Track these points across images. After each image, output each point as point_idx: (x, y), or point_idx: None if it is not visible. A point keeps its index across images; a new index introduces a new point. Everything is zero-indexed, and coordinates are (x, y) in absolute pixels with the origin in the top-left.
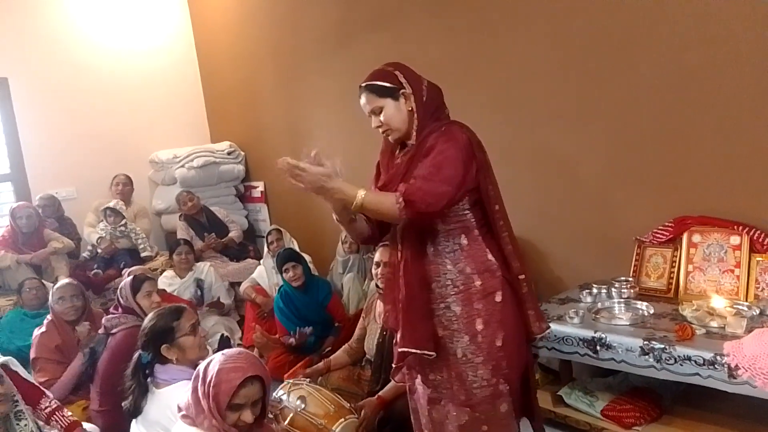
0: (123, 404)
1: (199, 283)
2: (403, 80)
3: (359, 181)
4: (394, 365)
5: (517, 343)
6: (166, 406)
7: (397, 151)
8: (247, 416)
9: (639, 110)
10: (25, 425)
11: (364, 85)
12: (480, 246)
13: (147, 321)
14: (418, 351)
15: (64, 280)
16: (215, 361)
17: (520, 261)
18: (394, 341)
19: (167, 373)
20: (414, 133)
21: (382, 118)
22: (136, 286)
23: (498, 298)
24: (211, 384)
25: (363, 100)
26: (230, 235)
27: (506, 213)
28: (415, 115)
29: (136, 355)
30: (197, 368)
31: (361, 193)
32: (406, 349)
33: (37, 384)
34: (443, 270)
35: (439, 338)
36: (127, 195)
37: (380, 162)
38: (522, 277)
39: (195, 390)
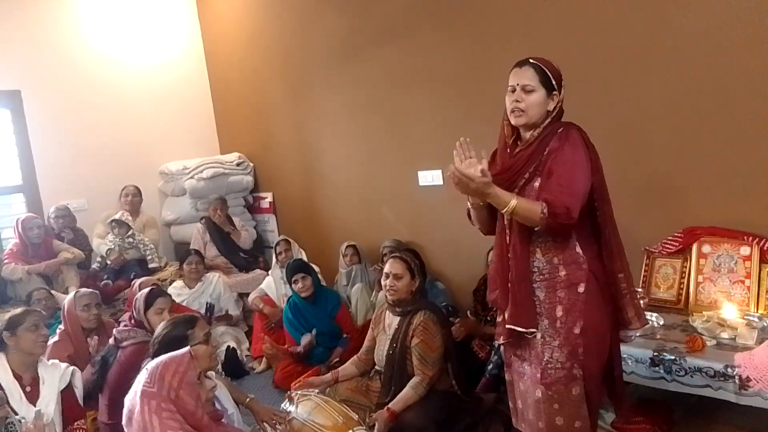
0: None
1: (208, 306)
2: (563, 85)
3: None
4: (500, 341)
5: (599, 333)
6: None
7: (510, 141)
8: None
9: (648, 121)
10: None
11: (533, 61)
12: (570, 239)
13: (160, 329)
14: (523, 329)
15: (86, 290)
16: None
17: (620, 260)
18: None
19: None
20: (539, 129)
21: (525, 98)
22: (149, 300)
23: (581, 289)
24: (172, 387)
25: (519, 72)
26: (242, 234)
27: (612, 212)
28: (551, 117)
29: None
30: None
31: (513, 201)
32: (513, 327)
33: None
34: (533, 257)
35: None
36: (135, 206)
37: (498, 148)
38: (621, 275)
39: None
